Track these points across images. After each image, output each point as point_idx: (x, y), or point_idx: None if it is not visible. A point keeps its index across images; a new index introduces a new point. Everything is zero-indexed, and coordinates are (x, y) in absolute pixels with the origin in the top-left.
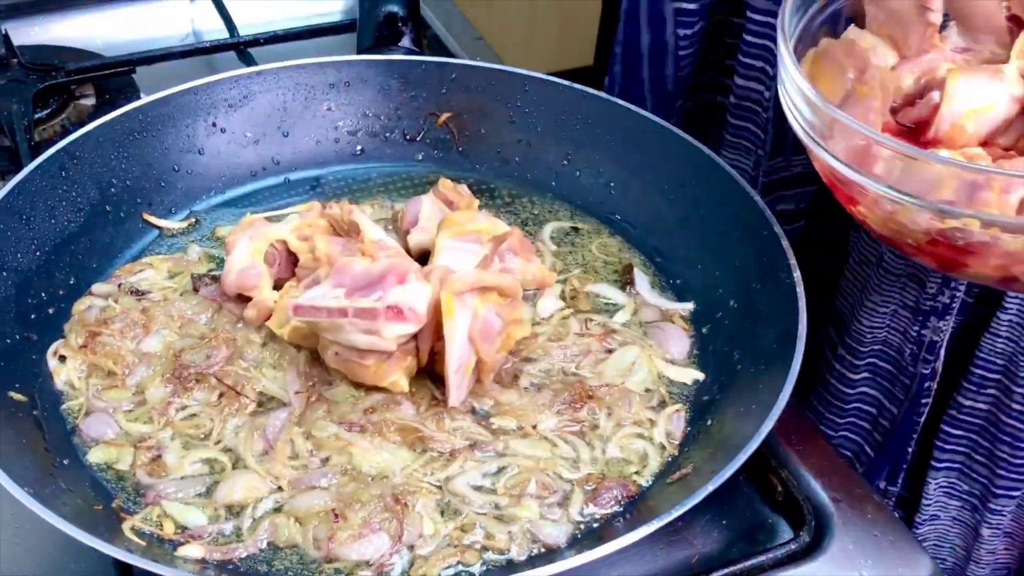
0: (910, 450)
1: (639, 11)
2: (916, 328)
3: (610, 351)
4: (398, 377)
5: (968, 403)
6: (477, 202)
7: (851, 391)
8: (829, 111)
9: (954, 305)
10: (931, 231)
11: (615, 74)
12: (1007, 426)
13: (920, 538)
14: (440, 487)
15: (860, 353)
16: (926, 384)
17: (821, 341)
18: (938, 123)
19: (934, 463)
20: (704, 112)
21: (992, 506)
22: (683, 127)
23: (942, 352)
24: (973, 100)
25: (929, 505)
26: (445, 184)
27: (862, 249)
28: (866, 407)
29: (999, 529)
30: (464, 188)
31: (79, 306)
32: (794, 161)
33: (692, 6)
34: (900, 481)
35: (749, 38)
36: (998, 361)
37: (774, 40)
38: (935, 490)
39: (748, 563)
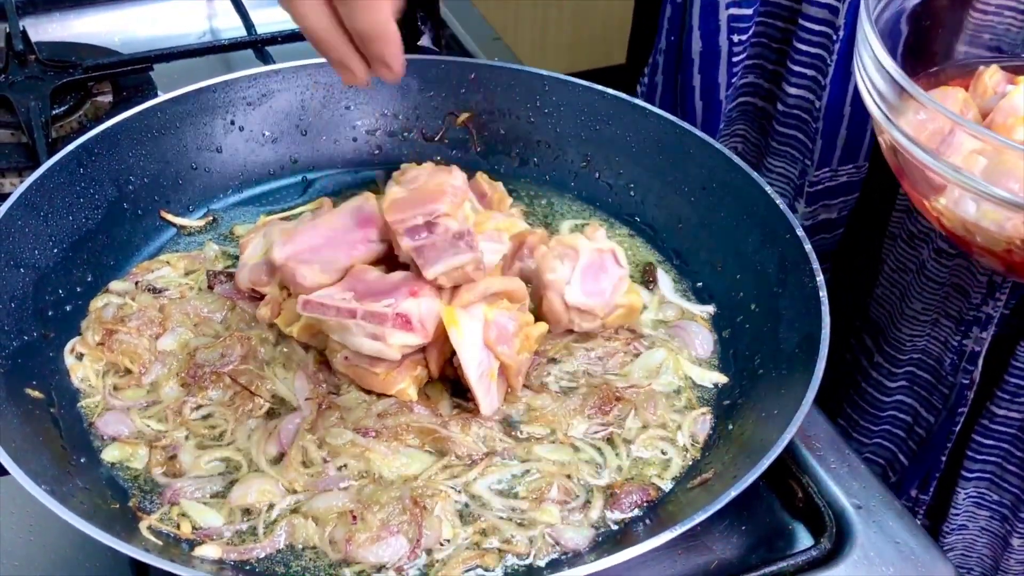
0: (943, 459)
1: (686, 20)
2: (958, 338)
3: (636, 353)
4: (407, 386)
5: (1002, 412)
6: (510, 200)
7: (887, 399)
8: (906, 85)
9: (995, 315)
10: (1015, 239)
11: (656, 83)
12: None
13: (947, 547)
14: (460, 491)
15: (898, 361)
16: (964, 394)
17: (855, 349)
18: (995, 113)
19: (964, 473)
20: (745, 116)
21: None
22: (727, 131)
23: (980, 362)
24: None
25: (958, 515)
26: (482, 177)
27: (899, 256)
28: (902, 415)
29: None
30: (499, 184)
31: (96, 303)
32: (840, 171)
33: (747, 11)
34: (931, 490)
35: (801, 46)
36: None
37: (827, 49)
38: (964, 499)
39: (767, 570)
